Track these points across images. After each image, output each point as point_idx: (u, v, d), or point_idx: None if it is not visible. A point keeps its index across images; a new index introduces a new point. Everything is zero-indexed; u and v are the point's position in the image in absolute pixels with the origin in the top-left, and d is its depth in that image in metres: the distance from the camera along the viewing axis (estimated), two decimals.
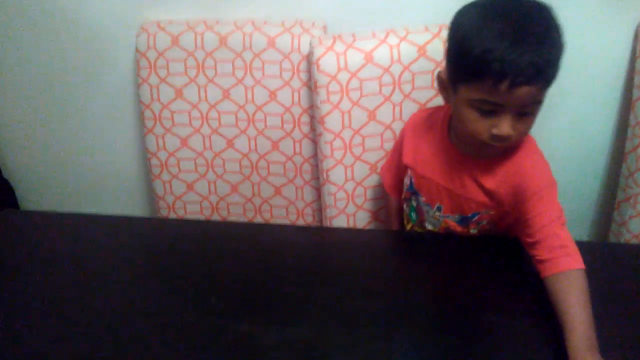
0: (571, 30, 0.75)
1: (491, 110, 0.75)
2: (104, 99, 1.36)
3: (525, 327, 0.73)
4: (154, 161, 1.28)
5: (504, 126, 0.74)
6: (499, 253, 0.88)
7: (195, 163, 1.27)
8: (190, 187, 1.30)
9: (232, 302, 0.80)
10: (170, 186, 1.29)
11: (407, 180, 0.98)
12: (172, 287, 0.85)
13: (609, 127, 1.22)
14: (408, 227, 1.04)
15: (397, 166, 1.01)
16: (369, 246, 0.97)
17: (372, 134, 1.12)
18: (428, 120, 0.94)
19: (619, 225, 1.21)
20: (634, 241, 1.19)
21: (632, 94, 1.13)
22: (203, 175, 1.28)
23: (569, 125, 1.23)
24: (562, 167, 1.25)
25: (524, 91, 0.71)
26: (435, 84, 0.84)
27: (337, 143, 1.12)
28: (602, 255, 0.94)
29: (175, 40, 1.17)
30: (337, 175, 1.15)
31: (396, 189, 1.06)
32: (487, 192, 0.86)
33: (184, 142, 1.25)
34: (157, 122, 1.24)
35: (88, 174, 1.48)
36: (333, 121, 1.10)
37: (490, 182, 0.85)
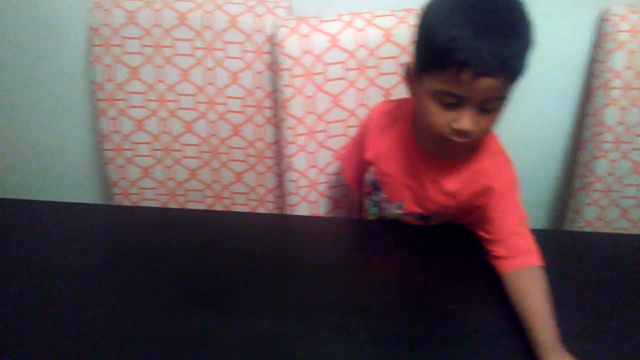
0: (533, 18, 0.74)
1: (453, 104, 0.72)
2: (54, 79, 1.28)
3: (483, 316, 0.73)
4: (106, 145, 1.21)
5: (465, 120, 0.72)
6: (460, 243, 0.88)
7: (151, 147, 1.22)
8: (145, 172, 1.24)
9: (187, 294, 0.77)
10: (125, 171, 1.24)
11: (369, 176, 0.96)
12: (125, 278, 0.81)
13: (568, 115, 1.25)
14: (366, 215, 1.03)
15: (358, 159, 0.98)
16: (330, 234, 0.95)
17: (336, 119, 1.10)
18: (393, 113, 0.91)
19: (575, 213, 1.24)
20: (588, 229, 1.22)
21: (591, 82, 1.15)
22: (160, 160, 1.23)
23: (528, 113, 1.24)
24: (520, 154, 1.26)
25: (486, 83, 0.69)
26: (403, 74, 0.82)
27: (300, 129, 1.09)
28: (558, 243, 0.96)
29: (131, 17, 1.11)
30: (299, 161, 1.12)
31: (358, 181, 1.04)
32: (448, 194, 0.85)
33: (139, 124, 1.20)
34: (111, 103, 1.18)
35: (37, 158, 1.40)
36: (296, 106, 1.07)
37: (451, 184, 0.84)
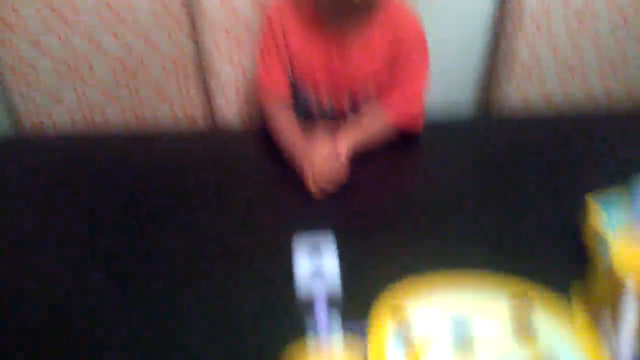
0: None
1: None
2: None
3: (419, 200, 0.75)
4: (5, 73, 1.09)
5: None
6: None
7: (56, 70, 1.11)
8: (55, 99, 1.14)
9: (129, 214, 0.73)
10: (31, 100, 1.13)
11: (289, 78, 0.91)
12: (56, 207, 0.75)
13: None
14: None
15: (281, 60, 0.90)
16: (266, 142, 0.92)
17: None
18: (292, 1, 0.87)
19: (499, 100, 1.28)
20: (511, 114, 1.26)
21: None
22: (68, 84, 1.13)
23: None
24: (446, 41, 1.28)
25: None
26: None
27: (220, 33, 1.03)
28: (483, 129, 0.98)
29: None
30: (222, 65, 1.06)
31: (286, 85, 0.92)
32: (374, 52, 0.85)
33: (38, 45, 1.08)
34: (0, 23, 1.04)
35: None
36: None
37: (374, 39, 0.85)
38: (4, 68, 1.09)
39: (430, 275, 0.24)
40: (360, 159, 0.81)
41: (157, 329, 0.56)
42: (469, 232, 0.68)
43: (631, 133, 0.89)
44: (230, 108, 1.12)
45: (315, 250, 0.25)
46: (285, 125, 0.86)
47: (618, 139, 0.87)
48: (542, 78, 1.24)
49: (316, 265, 0.24)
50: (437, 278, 0.25)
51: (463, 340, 0.23)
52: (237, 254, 0.66)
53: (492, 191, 0.76)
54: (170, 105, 1.18)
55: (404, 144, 0.87)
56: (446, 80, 1.32)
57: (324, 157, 0.76)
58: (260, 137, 0.92)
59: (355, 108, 0.91)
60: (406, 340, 0.23)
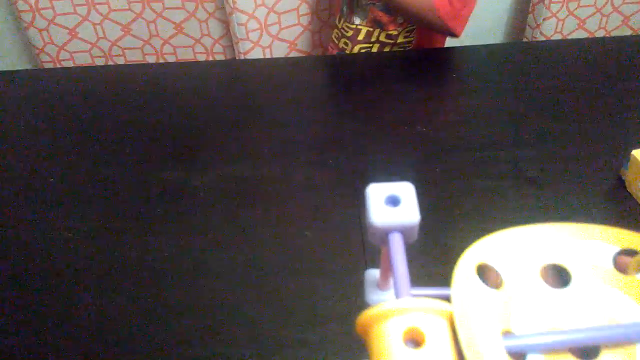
0: None
1: None
2: None
3: (455, 135, 0.73)
4: (21, 5, 1.05)
5: None
6: (427, 67, 0.85)
7: (72, 3, 1.06)
8: (72, 33, 1.10)
9: (151, 150, 0.72)
10: (49, 35, 1.09)
11: None
12: (78, 142, 0.74)
13: None
14: (339, 23, 0.97)
15: None
16: (291, 74, 0.89)
17: None
18: None
19: (533, 29, 1.21)
20: None
21: None
22: (85, 17, 1.08)
23: None
24: None
25: None
26: None
27: None
28: (516, 54, 0.93)
29: None
30: (245, 1, 1.01)
31: None
32: None
33: None
34: None
35: None
36: None
37: None
38: (21, 4, 1.04)
39: (515, 226, 0.23)
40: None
41: (198, 257, 0.56)
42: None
43: None
44: (253, 44, 1.08)
45: (393, 201, 0.24)
46: None
47: None
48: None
49: (394, 217, 0.23)
50: (523, 230, 0.23)
51: (558, 283, 0.22)
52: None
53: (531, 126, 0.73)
54: (190, 38, 1.13)
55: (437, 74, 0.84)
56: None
57: None
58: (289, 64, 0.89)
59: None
60: (494, 284, 0.21)
